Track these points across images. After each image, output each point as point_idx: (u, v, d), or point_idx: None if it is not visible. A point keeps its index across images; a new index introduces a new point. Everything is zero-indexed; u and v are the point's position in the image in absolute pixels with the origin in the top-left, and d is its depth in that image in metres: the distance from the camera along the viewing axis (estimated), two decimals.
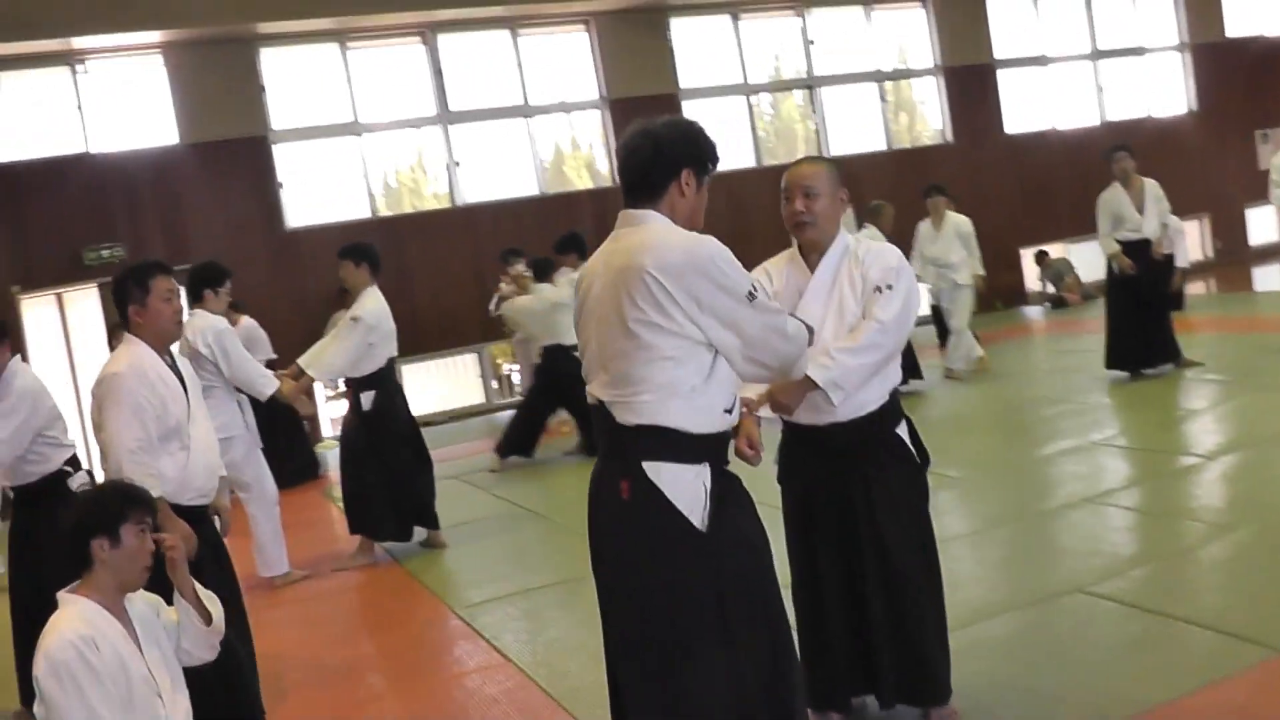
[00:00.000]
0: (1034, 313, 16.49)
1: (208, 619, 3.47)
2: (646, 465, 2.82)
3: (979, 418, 9.53)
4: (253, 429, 6.95)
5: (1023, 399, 9.95)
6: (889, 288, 3.57)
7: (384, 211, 14.28)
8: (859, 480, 3.64)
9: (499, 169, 14.71)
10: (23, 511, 5.24)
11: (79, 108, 13.01)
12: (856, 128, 16.65)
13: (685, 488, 2.82)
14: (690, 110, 15.35)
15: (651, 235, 2.86)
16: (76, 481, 5.16)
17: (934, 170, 15.45)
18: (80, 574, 3.25)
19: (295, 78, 13.92)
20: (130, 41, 12.97)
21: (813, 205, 3.64)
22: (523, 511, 8.21)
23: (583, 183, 15.47)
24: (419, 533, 7.46)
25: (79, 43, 12.73)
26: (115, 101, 13.20)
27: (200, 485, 4.39)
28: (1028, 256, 17.33)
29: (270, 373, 6.88)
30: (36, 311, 12.72)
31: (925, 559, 3.71)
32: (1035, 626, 4.62)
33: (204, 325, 6.65)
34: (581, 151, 15.69)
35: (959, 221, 11.09)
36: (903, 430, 3.75)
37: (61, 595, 3.24)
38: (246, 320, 9.65)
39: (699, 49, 15.68)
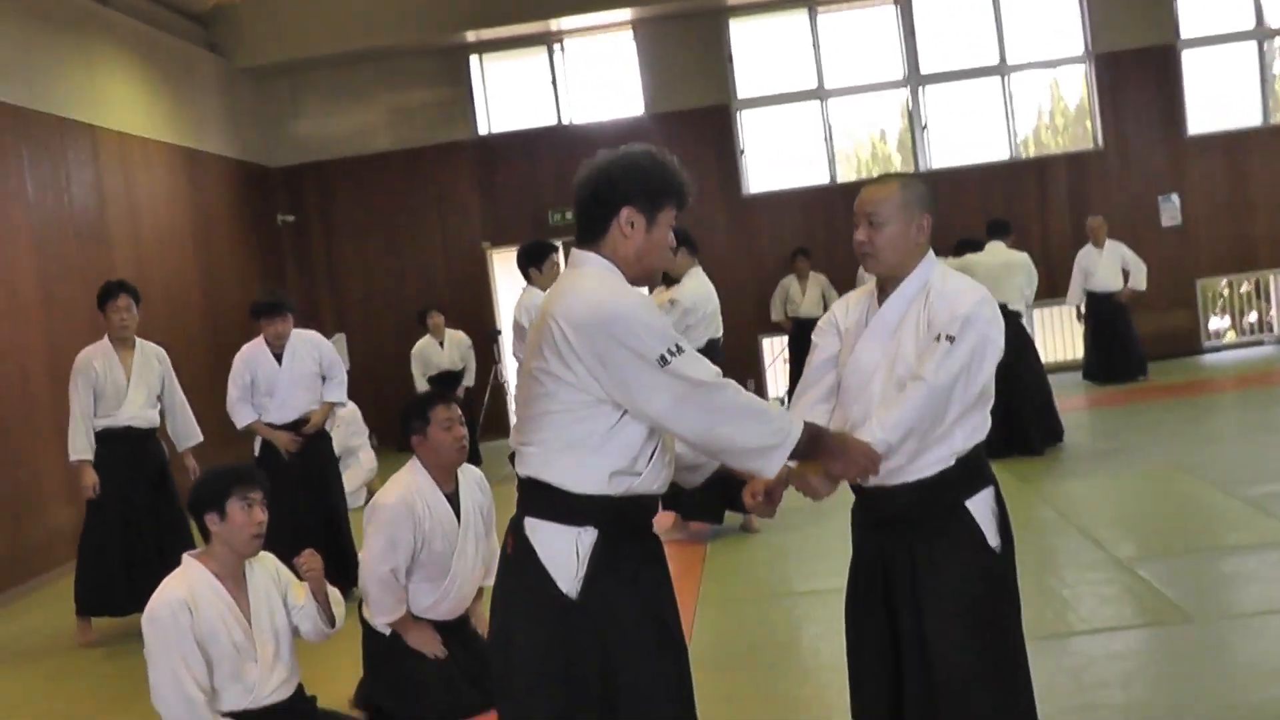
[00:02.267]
0: None
1: (331, 621, 3.97)
2: (527, 521, 2.70)
3: None
4: None
5: None
6: (949, 339, 2.88)
7: (844, 177, 13.94)
8: (904, 563, 2.96)
9: (970, 133, 13.90)
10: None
11: (554, 84, 13.88)
12: None
13: (558, 550, 2.65)
14: (1191, 60, 13.71)
15: (574, 282, 2.70)
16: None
17: None
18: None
19: (761, 47, 14.02)
20: (605, 20, 13.62)
21: (876, 235, 3.05)
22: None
23: (1059, 146, 14.19)
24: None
25: (558, 24, 13.52)
26: (588, 76, 13.97)
27: (447, 610, 4.59)
28: None
29: None
30: (506, 265, 13.68)
31: (992, 670, 2.91)
32: None
33: (529, 302, 6.92)
34: (1061, 111, 14.46)
35: None
36: (979, 503, 2.97)
37: (185, 557, 3.83)
38: None
39: None
